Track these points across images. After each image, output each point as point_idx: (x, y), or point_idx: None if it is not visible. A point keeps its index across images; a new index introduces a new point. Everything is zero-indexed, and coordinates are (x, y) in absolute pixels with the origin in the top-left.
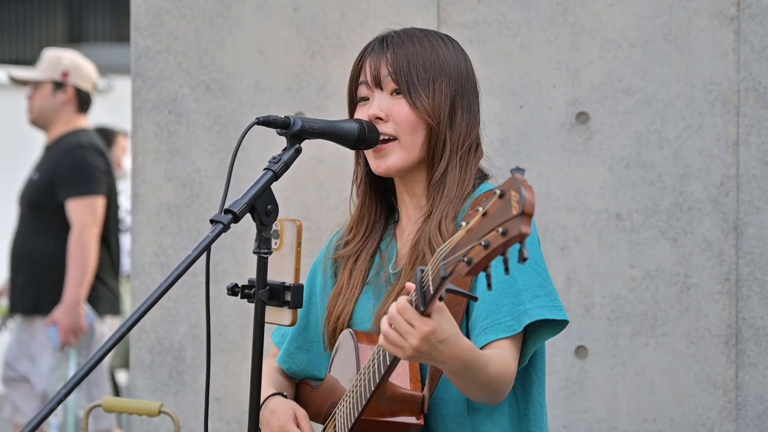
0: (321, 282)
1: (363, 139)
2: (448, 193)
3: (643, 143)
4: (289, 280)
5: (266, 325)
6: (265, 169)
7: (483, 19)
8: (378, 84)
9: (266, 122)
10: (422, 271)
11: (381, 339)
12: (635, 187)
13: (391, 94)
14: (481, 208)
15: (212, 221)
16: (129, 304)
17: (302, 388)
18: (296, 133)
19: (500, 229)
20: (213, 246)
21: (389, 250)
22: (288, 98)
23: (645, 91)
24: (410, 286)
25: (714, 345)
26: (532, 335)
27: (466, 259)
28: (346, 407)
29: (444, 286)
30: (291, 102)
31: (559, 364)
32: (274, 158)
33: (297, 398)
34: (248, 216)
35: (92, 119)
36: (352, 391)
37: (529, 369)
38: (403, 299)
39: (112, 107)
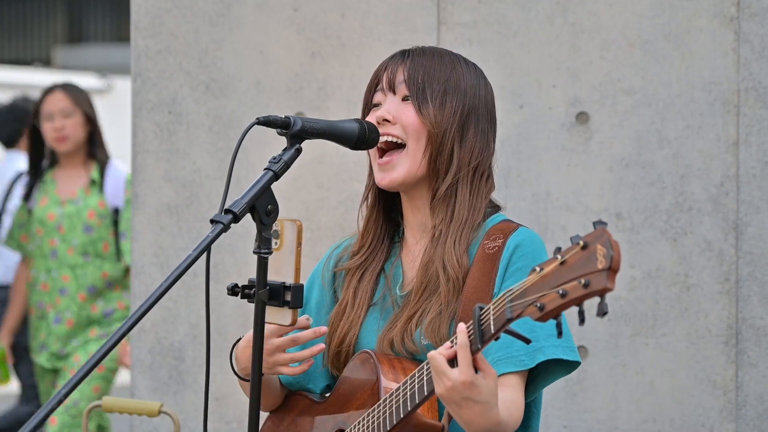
0: (317, 295)
1: (363, 139)
2: (458, 215)
3: (643, 143)
4: (290, 280)
5: (266, 325)
6: (265, 169)
7: (483, 19)
8: (392, 88)
9: (266, 122)
10: (481, 308)
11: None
12: (635, 187)
13: (403, 99)
14: (559, 256)
15: (212, 221)
16: None
17: (298, 399)
18: (296, 133)
19: (582, 281)
20: (213, 246)
21: (394, 271)
22: (288, 98)
23: (645, 91)
24: (462, 327)
25: (714, 345)
26: (543, 373)
27: (538, 304)
28: (363, 430)
29: (506, 327)
30: (291, 102)
31: None
32: (275, 158)
33: (289, 408)
34: (248, 216)
35: None
36: (373, 416)
37: (529, 403)
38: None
39: (112, 107)
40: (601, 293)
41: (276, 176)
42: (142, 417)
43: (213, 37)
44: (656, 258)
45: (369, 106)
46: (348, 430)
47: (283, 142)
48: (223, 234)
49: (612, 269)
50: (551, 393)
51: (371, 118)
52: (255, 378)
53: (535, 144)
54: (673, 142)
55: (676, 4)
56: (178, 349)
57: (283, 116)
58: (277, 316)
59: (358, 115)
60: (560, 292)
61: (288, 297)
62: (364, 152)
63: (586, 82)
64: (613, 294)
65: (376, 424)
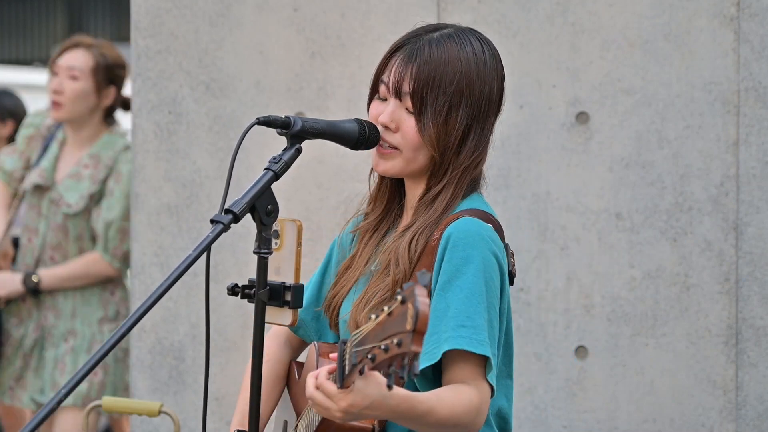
0: (337, 257)
1: (363, 139)
2: (434, 212)
3: (643, 143)
4: (290, 280)
5: (266, 325)
6: (265, 169)
7: (483, 19)
8: (397, 95)
9: (267, 122)
10: (344, 343)
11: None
12: (635, 187)
13: (407, 108)
14: (386, 308)
15: (212, 221)
16: None
17: (292, 368)
18: (296, 133)
19: (395, 340)
20: (213, 246)
21: (386, 243)
22: (288, 98)
23: (645, 91)
24: (333, 356)
25: (714, 345)
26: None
27: (370, 356)
28: (304, 426)
29: (357, 371)
30: (291, 102)
31: (559, 364)
32: (275, 158)
33: (288, 376)
34: (248, 216)
35: None
36: (306, 415)
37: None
38: (323, 373)
39: None
40: (411, 355)
41: (276, 176)
42: (142, 417)
43: (213, 37)
44: (656, 258)
45: (376, 90)
46: (300, 417)
47: (283, 142)
48: (223, 234)
49: (417, 331)
50: (551, 393)
51: (375, 108)
52: (255, 378)
53: (535, 144)
54: (673, 142)
55: (676, 4)
56: (178, 349)
57: (283, 116)
58: (277, 316)
59: (359, 115)
60: (382, 347)
61: (288, 297)
62: (364, 152)
63: (586, 82)
64: (613, 294)
65: (307, 424)
